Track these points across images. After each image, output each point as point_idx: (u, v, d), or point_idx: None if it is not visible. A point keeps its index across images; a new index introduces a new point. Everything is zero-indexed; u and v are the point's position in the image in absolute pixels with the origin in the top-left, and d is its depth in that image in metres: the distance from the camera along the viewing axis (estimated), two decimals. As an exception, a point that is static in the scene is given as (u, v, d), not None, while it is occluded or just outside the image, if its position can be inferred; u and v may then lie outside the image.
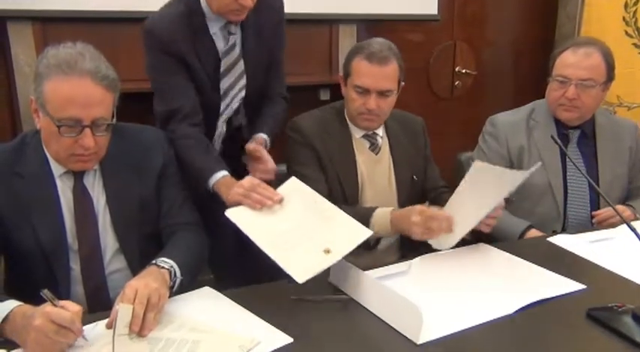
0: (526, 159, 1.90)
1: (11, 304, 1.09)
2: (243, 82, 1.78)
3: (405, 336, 1.12)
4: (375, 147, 1.77)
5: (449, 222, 1.44)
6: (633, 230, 1.20)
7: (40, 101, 1.25)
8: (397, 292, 1.18)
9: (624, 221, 1.25)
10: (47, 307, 1.03)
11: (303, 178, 1.60)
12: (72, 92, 1.22)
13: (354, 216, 1.39)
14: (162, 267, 1.25)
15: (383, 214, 1.57)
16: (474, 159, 1.96)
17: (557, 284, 1.33)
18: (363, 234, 1.31)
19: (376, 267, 1.41)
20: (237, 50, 1.72)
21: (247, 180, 1.43)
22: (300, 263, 1.22)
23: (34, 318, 1.02)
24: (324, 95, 2.87)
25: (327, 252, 1.27)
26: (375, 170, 1.76)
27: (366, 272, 1.31)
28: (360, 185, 1.73)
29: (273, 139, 1.82)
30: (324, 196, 1.56)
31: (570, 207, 1.87)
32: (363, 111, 1.67)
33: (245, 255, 1.87)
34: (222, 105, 1.77)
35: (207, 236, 1.48)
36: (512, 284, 1.33)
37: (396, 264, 1.43)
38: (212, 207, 1.48)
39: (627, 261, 1.45)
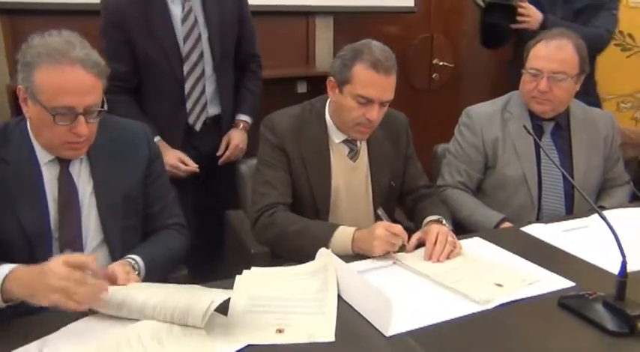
0: (500, 150, 1.90)
1: (7, 267, 1.12)
2: (205, 46, 1.87)
3: (376, 328, 1.12)
4: (354, 154, 1.67)
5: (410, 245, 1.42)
6: (604, 219, 1.20)
7: (31, 90, 1.24)
8: (370, 283, 1.18)
9: (597, 209, 1.25)
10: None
11: (266, 184, 1.59)
12: (65, 81, 1.22)
13: (315, 230, 1.44)
14: (128, 262, 1.28)
15: (345, 233, 1.46)
16: (450, 151, 1.99)
17: (544, 281, 1.33)
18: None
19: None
20: (195, 16, 1.81)
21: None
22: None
23: (46, 267, 1.07)
24: (301, 88, 2.84)
25: None
26: (351, 178, 1.67)
27: (351, 263, 1.30)
28: (334, 194, 1.64)
29: (255, 117, 1.83)
30: (292, 203, 1.58)
31: (545, 198, 1.88)
32: (363, 122, 1.55)
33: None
34: (185, 70, 1.86)
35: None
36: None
37: (382, 257, 1.42)
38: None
39: (599, 249, 1.46)
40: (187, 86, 1.96)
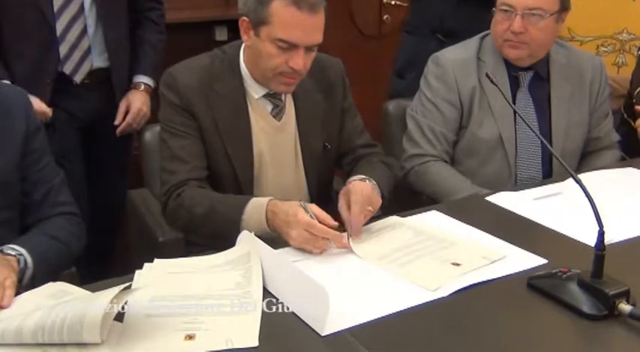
0: (476, 104, 1.90)
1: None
2: None
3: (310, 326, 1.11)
4: (278, 111, 1.64)
5: (341, 244, 1.38)
6: (578, 182, 1.21)
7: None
8: (303, 272, 1.16)
9: (570, 171, 1.26)
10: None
11: (174, 159, 1.55)
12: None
13: (222, 209, 1.43)
14: (8, 254, 1.26)
15: (257, 208, 1.43)
16: (416, 110, 1.97)
17: (510, 259, 1.34)
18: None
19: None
20: None
21: None
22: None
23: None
24: (221, 34, 2.79)
25: None
26: (277, 141, 1.65)
27: (281, 249, 1.31)
28: (257, 162, 1.63)
29: (158, 79, 1.78)
30: (209, 177, 1.56)
31: (521, 164, 1.91)
32: (286, 72, 1.51)
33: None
34: (56, 1, 1.84)
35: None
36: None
37: None
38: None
39: (575, 219, 1.49)
40: (60, 24, 1.91)
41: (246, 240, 1.33)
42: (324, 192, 1.73)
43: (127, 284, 1.12)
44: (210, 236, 1.47)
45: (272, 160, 1.65)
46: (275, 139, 1.65)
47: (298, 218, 1.35)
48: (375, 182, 1.53)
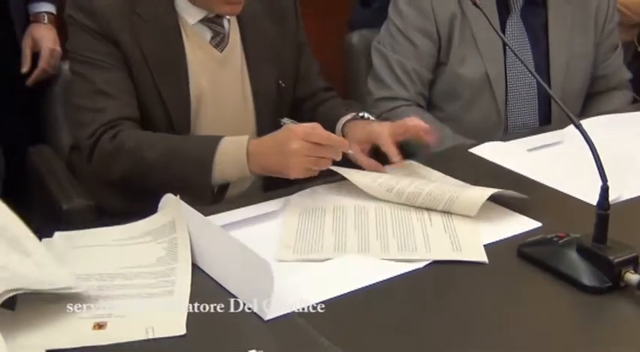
0: (457, 35, 1.91)
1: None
2: None
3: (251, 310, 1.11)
4: (220, 40, 1.66)
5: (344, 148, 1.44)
6: (578, 127, 1.21)
7: None
8: (241, 242, 1.14)
9: (569, 115, 1.26)
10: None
11: (98, 95, 1.55)
12: None
13: (187, 149, 1.47)
14: None
15: (235, 145, 1.47)
16: (384, 43, 1.98)
17: (498, 222, 1.36)
18: None
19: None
20: None
21: None
22: None
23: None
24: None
25: None
26: (220, 76, 1.68)
27: (214, 216, 1.33)
28: (195, 103, 1.65)
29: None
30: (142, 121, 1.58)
31: (512, 108, 1.94)
32: None
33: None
34: None
35: None
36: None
37: (265, 203, 1.44)
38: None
39: (575, 174, 1.51)
40: None
41: (171, 205, 1.33)
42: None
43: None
44: (165, 185, 1.45)
45: (214, 100, 1.67)
46: (217, 75, 1.66)
47: (292, 129, 1.39)
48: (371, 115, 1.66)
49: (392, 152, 1.52)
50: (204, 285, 1.17)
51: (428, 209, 1.40)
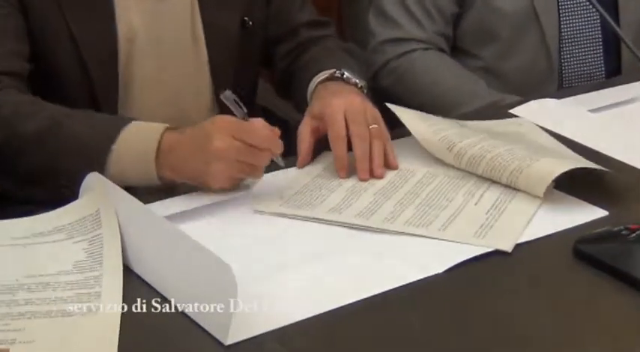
0: None
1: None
2: None
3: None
4: None
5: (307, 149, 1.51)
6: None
7: None
8: (193, 239, 1.14)
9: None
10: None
11: None
12: None
13: (79, 129, 1.46)
14: None
15: (144, 134, 1.46)
16: None
17: (550, 211, 1.39)
18: None
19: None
20: None
21: None
22: None
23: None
24: None
25: None
26: (159, 13, 1.70)
27: (157, 203, 1.37)
28: (125, 49, 1.67)
29: None
30: (37, 79, 1.61)
31: (567, 52, 1.96)
32: None
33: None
34: None
35: None
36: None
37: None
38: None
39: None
40: None
41: (96, 187, 1.32)
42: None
43: None
44: (43, 174, 1.48)
45: (151, 46, 1.70)
46: (155, 11, 1.69)
47: (218, 121, 1.41)
48: (354, 77, 1.64)
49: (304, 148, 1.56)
50: (141, 297, 1.17)
51: (491, 180, 1.45)
